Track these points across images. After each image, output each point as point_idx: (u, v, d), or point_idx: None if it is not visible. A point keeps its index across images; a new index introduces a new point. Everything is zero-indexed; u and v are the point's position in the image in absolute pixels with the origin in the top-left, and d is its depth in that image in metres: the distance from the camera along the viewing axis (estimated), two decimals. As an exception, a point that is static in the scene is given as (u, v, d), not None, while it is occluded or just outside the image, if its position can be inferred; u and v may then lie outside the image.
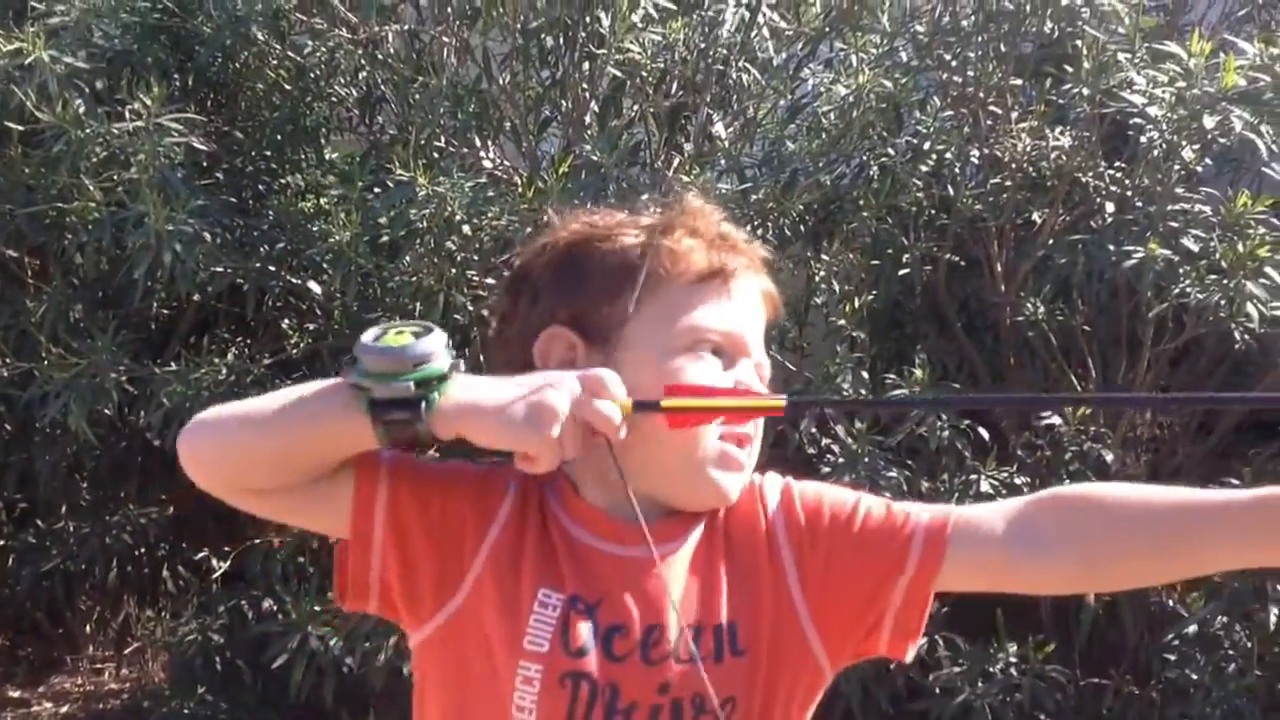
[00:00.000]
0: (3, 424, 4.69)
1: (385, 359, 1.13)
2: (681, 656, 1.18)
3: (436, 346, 1.16)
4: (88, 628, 5.29)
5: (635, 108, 4.44)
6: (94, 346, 4.05)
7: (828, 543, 1.26)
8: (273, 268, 4.29)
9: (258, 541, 4.38)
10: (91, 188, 3.96)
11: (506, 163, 4.47)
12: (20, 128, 3.98)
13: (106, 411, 4.21)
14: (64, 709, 4.94)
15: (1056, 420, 3.92)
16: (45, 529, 4.91)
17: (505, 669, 1.17)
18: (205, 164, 4.33)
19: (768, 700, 1.23)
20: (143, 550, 4.93)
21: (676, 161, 4.39)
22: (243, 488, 1.28)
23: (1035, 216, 4.27)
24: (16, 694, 5.06)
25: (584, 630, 1.18)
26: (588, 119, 4.35)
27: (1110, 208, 4.03)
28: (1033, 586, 1.36)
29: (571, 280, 1.33)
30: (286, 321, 4.78)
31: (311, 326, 4.63)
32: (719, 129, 4.45)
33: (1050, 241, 4.06)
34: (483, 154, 4.38)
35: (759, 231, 4.27)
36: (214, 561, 4.74)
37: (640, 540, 1.19)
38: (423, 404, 1.12)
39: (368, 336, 1.17)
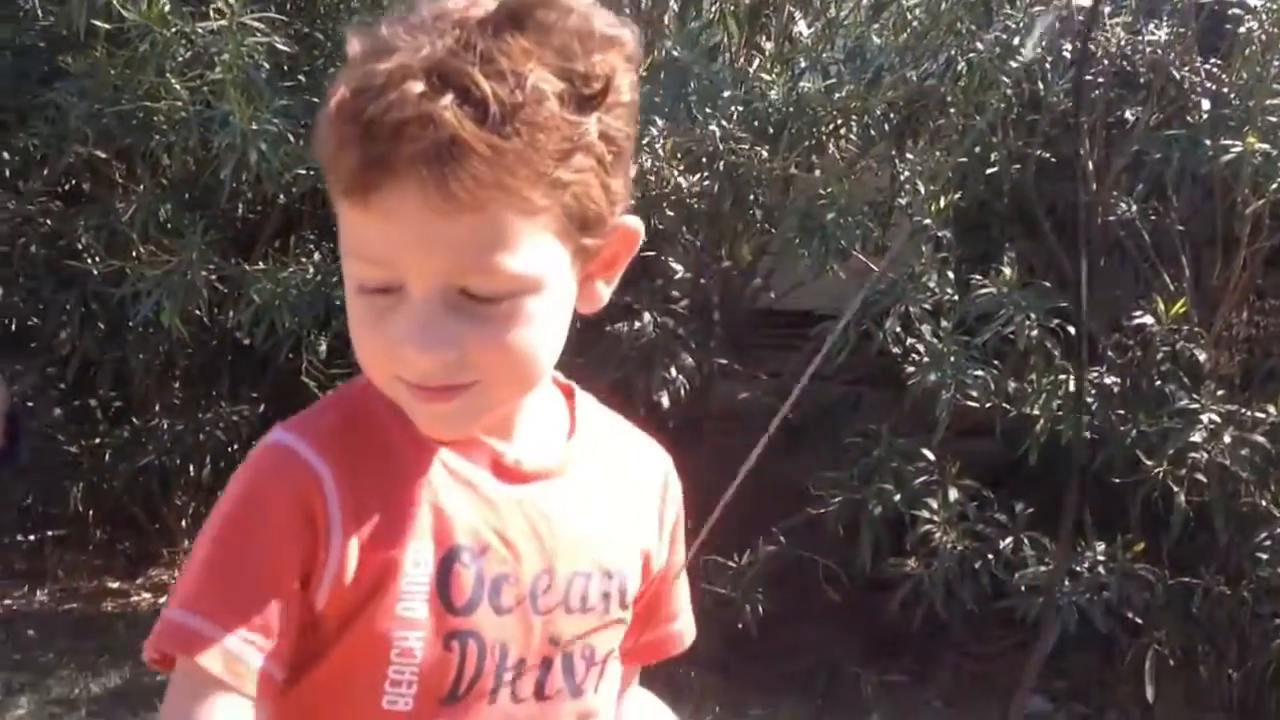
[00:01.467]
0: (96, 323, 4.79)
1: None
2: (573, 607, 1.06)
3: None
4: (183, 522, 5.42)
5: (715, 7, 4.38)
6: (184, 245, 4.11)
7: (672, 555, 1.20)
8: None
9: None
10: (177, 87, 3.99)
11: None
12: (107, 26, 4.01)
13: (197, 311, 4.28)
14: (161, 599, 5.08)
15: (1148, 319, 3.85)
16: (140, 426, 5.03)
17: (378, 649, 1.00)
18: (287, 66, 4.33)
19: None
20: (235, 447, 5.03)
21: (757, 62, 4.33)
22: None
23: (1128, 114, 4.17)
24: (115, 585, 5.22)
25: (468, 583, 1.02)
26: (666, 19, 4.29)
27: (1206, 104, 3.92)
28: None
29: None
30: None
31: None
32: (800, 28, 4.38)
33: (1143, 139, 3.96)
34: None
35: (842, 130, 4.22)
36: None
37: (525, 478, 1.06)
38: None
39: None
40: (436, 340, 0.97)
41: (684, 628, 1.22)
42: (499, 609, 1.03)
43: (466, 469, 1.04)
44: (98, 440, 5.16)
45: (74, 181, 4.97)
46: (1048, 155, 4.27)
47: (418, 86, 0.92)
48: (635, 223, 1.05)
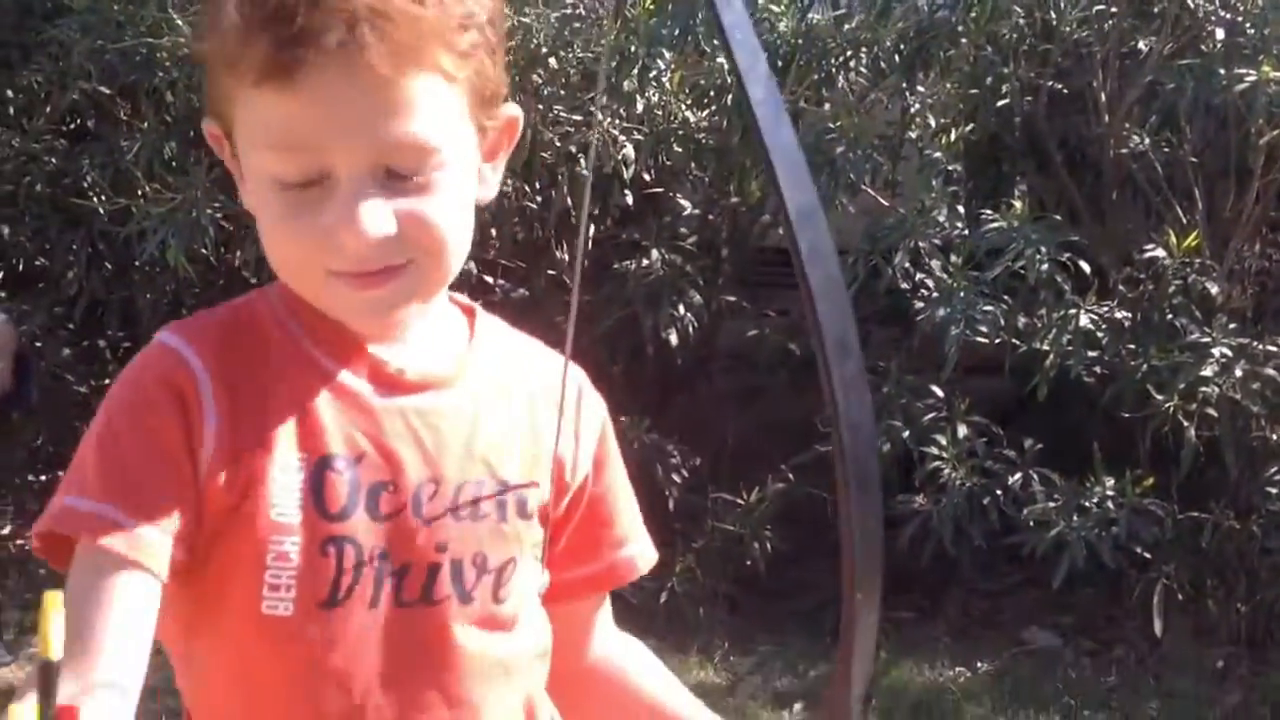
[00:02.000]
0: (103, 262, 4.78)
1: None
2: (461, 514, 1.04)
3: None
4: (192, 462, 5.45)
5: (725, -65, 4.31)
6: (189, 183, 4.09)
7: (603, 476, 1.14)
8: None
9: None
10: (180, 23, 3.96)
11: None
12: (108, -38, 3.98)
13: (203, 249, 4.27)
14: (173, 539, 5.12)
15: (1160, 253, 3.83)
16: (148, 366, 5.03)
17: (253, 552, 0.99)
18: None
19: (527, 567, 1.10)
20: (242, 386, 5.05)
21: (767, -9, 4.28)
22: None
23: (1141, 44, 4.11)
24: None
25: (342, 490, 1.01)
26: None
27: (1220, 33, 3.86)
28: None
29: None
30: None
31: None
32: (811, -44, 4.32)
33: (1157, 69, 3.91)
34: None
35: (851, 62, 4.18)
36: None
37: (409, 388, 1.04)
38: None
39: None
40: (374, 219, 0.97)
41: (637, 553, 1.16)
42: (375, 515, 1.02)
43: (347, 378, 1.04)
44: (106, 380, 5.16)
45: (78, 119, 4.94)
46: (1060, 87, 4.22)
47: None
48: (516, 110, 1.07)
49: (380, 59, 0.93)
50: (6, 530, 5.14)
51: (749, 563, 3.99)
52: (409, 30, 0.94)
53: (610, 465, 1.15)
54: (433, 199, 0.99)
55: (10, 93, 4.77)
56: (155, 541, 0.97)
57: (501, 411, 1.09)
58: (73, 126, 4.96)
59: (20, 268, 4.98)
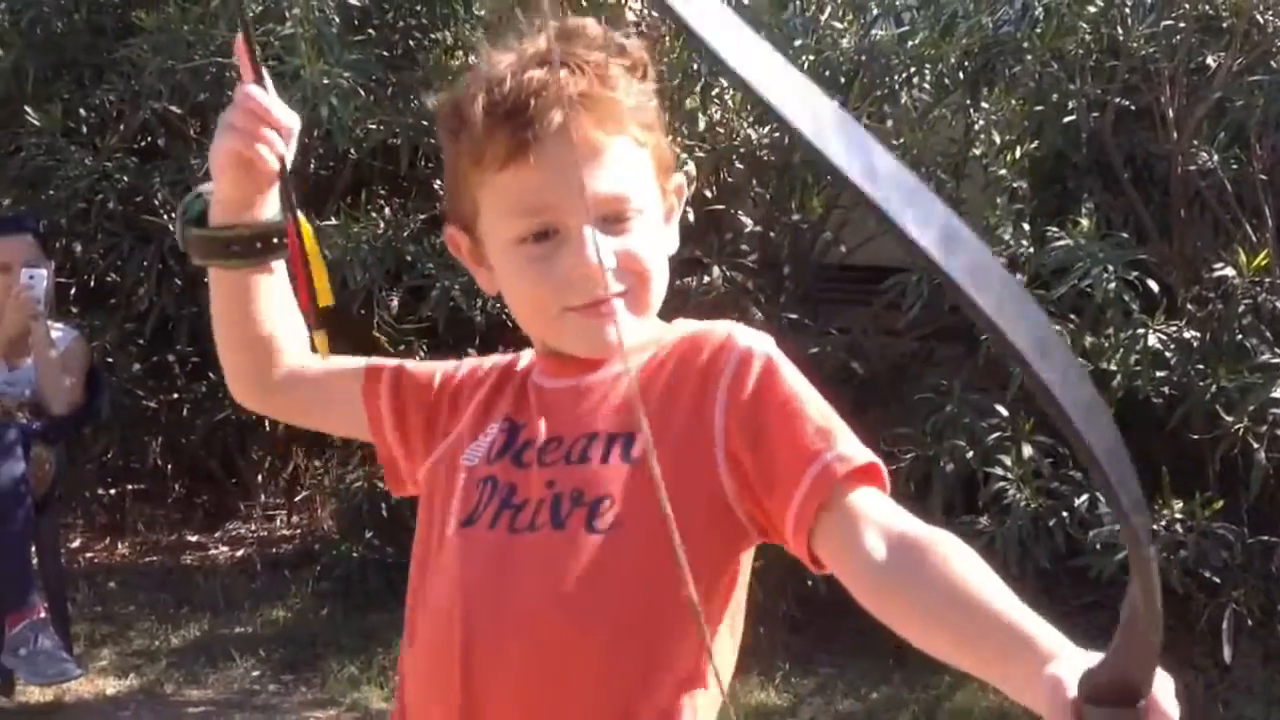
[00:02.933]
0: (173, 279, 4.85)
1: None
2: (572, 458, 1.29)
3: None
4: (259, 477, 5.50)
5: (786, -47, 4.32)
6: (256, 202, 4.14)
7: (762, 412, 1.25)
8: (425, 123, 4.31)
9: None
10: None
11: (653, 14, 4.39)
12: (179, -16, 4.04)
13: (270, 267, 4.32)
14: (239, 553, 5.17)
15: (1229, 271, 3.77)
16: (217, 381, 5.09)
17: (449, 482, 1.34)
18: (357, 20, 4.34)
19: (656, 518, 1.13)
20: (308, 402, 5.09)
21: (828, 10, 4.28)
22: (256, 389, 1.51)
23: (1210, 60, 4.07)
24: (194, 538, 5.32)
25: (503, 445, 1.33)
26: (738, -33, 4.24)
27: (1293, 48, 3.81)
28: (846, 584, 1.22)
29: (444, 168, 1.40)
30: (438, 182, 4.82)
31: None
32: (873, -27, 4.31)
33: (1226, 85, 3.87)
34: (629, 4, 4.31)
35: (915, 79, 4.16)
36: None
37: (569, 374, 1.33)
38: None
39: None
40: (603, 254, 1.25)
41: (832, 458, 1.21)
42: (518, 463, 1.31)
43: (545, 381, 1.36)
44: (176, 395, 5.25)
45: (149, 137, 5.03)
46: (1127, 103, 4.18)
47: (536, 71, 1.24)
48: (683, 177, 1.36)
49: (590, 131, 1.24)
50: (76, 543, 5.23)
51: (810, 582, 3.97)
52: (609, 108, 1.25)
53: (774, 398, 1.27)
54: (636, 237, 1.27)
55: (83, 111, 4.87)
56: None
57: (640, 380, 1.31)
58: (144, 144, 5.05)
59: (92, 284, 5.07)
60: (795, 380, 1.28)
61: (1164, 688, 0.93)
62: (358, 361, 1.47)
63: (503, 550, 1.27)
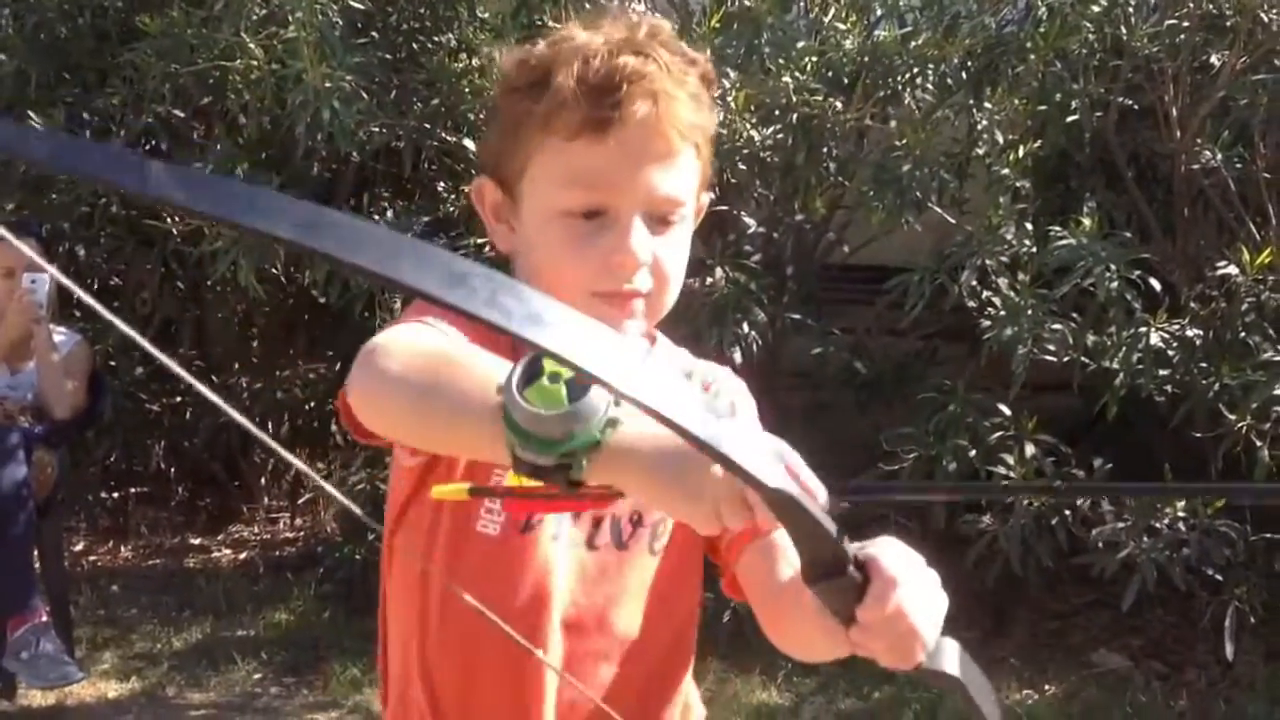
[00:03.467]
0: (176, 282, 4.86)
1: (533, 422, 1.01)
2: None
3: (594, 408, 1.02)
4: (262, 480, 5.51)
5: (789, -46, 4.31)
6: (259, 205, 4.14)
7: None
8: (427, 125, 4.31)
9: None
10: (252, 46, 4.02)
11: (657, 14, 4.39)
12: (182, -13, 4.04)
13: (274, 270, 4.33)
14: (242, 555, 5.17)
15: (1232, 270, 3.77)
16: (219, 384, 5.11)
17: (484, 480, 1.26)
18: (360, 23, 4.34)
19: (688, 542, 1.36)
20: (312, 404, 5.10)
21: (831, 11, 4.27)
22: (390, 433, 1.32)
23: (1214, 59, 4.07)
24: (198, 541, 5.32)
25: None
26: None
27: (1295, 47, 3.81)
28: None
29: (493, 125, 1.38)
30: (442, 185, 4.83)
31: (466, 189, 4.66)
32: (876, -27, 4.30)
33: (1230, 84, 3.87)
34: (633, 5, 4.31)
35: (918, 79, 4.16)
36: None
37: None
38: (569, 469, 1.03)
39: (518, 376, 1.03)
40: (643, 248, 1.28)
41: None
42: None
43: None
44: (179, 399, 5.25)
45: (153, 141, 5.03)
46: (1130, 103, 4.18)
47: (631, 58, 1.26)
48: (709, 196, 1.40)
49: (670, 129, 1.27)
50: (79, 547, 5.23)
51: (814, 582, 3.97)
52: (691, 112, 1.29)
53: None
54: (672, 242, 1.31)
55: (86, 115, 4.87)
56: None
57: None
58: (147, 148, 5.06)
59: (96, 287, 5.07)
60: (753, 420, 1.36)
61: (885, 552, 1.05)
62: None
63: (583, 564, 1.32)
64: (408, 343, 1.18)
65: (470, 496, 1.12)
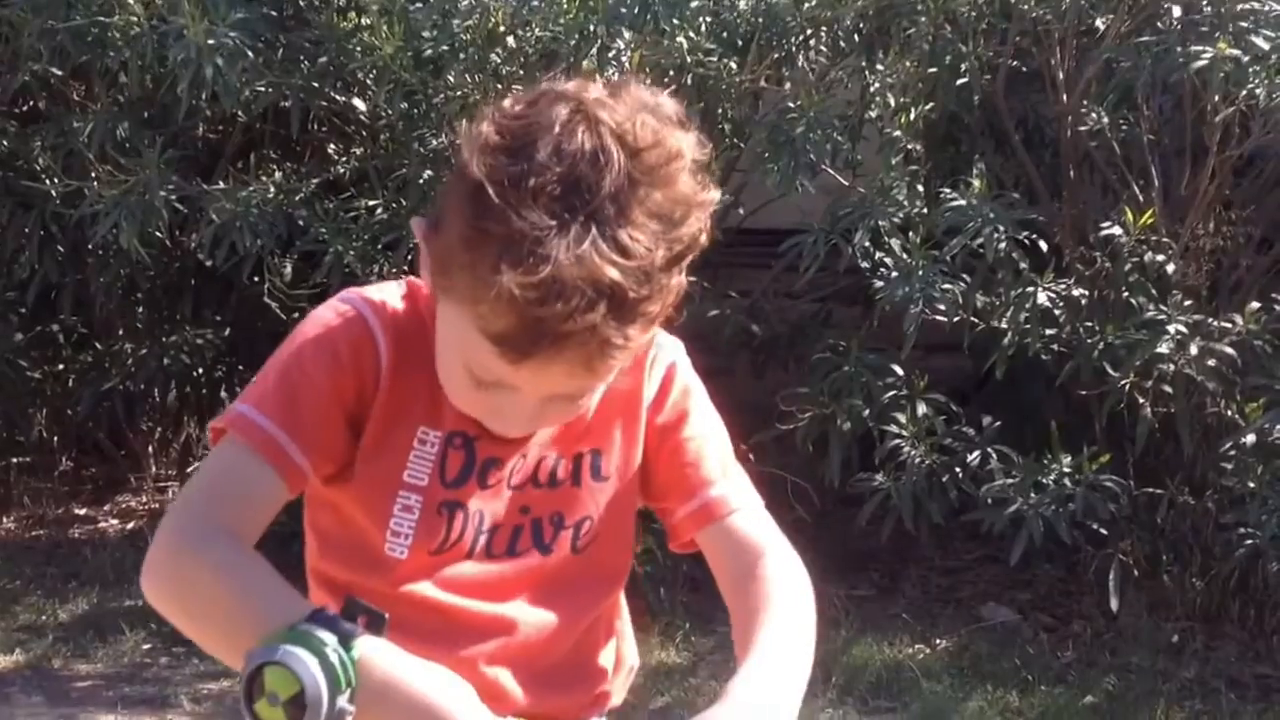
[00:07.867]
0: (56, 246, 4.71)
1: None
2: (541, 481, 1.30)
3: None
4: (150, 448, 5.38)
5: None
6: (142, 164, 4.04)
7: (674, 432, 1.35)
8: (315, 84, 4.23)
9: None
10: (131, 1, 3.90)
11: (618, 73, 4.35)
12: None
13: (157, 233, 4.22)
14: (130, 525, 5.06)
15: (1116, 230, 3.85)
16: (103, 350, 4.98)
17: (384, 501, 1.26)
18: (245, -22, 4.23)
19: (618, 525, 1.36)
20: (200, 371, 4.99)
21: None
22: None
23: (1099, 22, 4.13)
24: (83, 511, 5.19)
25: (459, 464, 1.27)
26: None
27: (1177, 10, 3.88)
28: None
29: (454, 192, 1.17)
30: (332, 146, 4.74)
31: (357, 151, 4.58)
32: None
33: (1114, 47, 3.93)
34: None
35: (811, 41, 4.17)
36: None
37: None
38: None
39: (243, 689, 1.10)
40: (532, 428, 1.25)
41: (728, 491, 1.35)
42: (484, 486, 1.28)
43: None
44: (61, 366, 5.11)
45: (30, 101, 4.87)
46: (1018, 65, 4.23)
47: (577, 300, 1.09)
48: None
49: (599, 376, 1.19)
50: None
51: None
52: (625, 356, 1.17)
53: (694, 415, 1.36)
54: (586, 399, 1.24)
55: (-42, 73, 4.70)
56: (301, 466, 1.23)
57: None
58: (24, 109, 4.89)
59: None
60: (705, 407, 1.38)
61: None
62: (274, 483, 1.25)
63: (491, 577, 1.29)
64: (203, 543, 1.17)
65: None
